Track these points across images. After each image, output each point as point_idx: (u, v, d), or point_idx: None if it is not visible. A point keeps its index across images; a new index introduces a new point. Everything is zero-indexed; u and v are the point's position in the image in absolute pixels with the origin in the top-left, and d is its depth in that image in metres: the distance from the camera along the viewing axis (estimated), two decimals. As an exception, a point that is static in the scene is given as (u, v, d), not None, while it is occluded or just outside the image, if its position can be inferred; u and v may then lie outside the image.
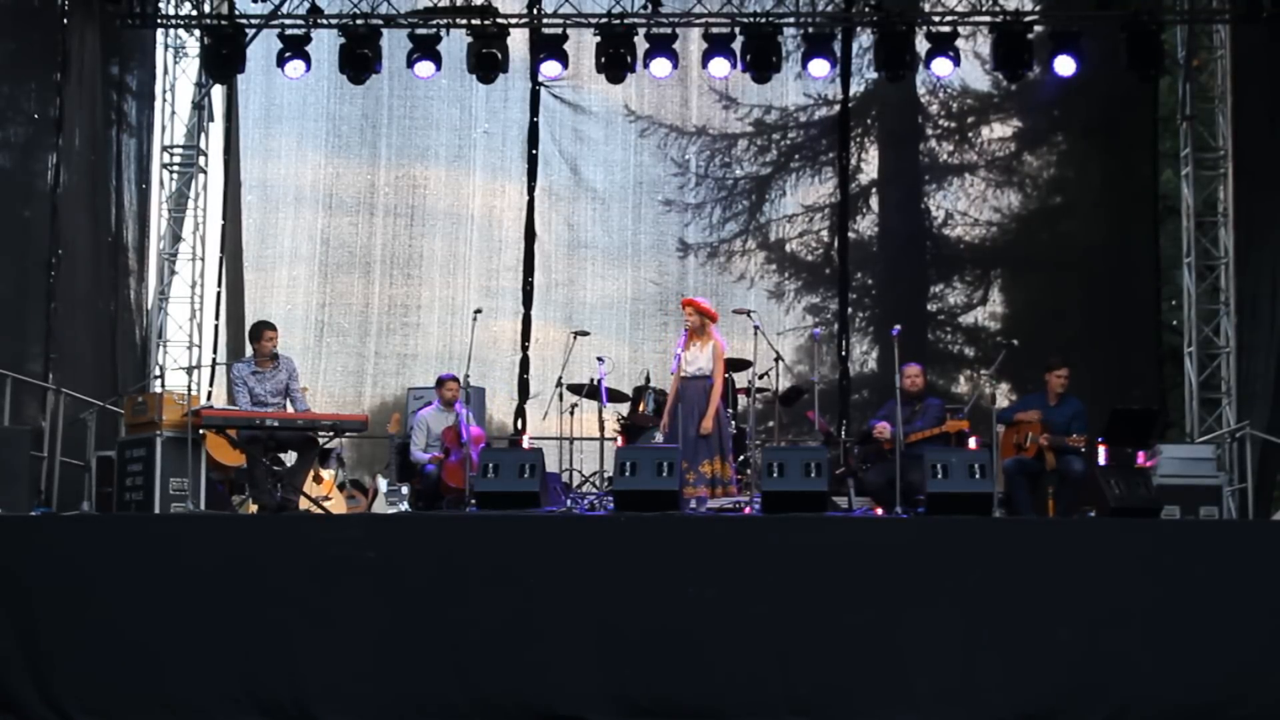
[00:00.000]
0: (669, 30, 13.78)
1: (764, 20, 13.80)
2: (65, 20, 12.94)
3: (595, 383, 12.17)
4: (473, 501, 9.71)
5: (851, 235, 15.30)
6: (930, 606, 8.38)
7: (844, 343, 15.00)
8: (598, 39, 13.78)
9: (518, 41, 14.30)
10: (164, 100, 14.82)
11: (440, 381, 11.97)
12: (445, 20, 13.89)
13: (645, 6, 13.79)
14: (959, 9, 13.95)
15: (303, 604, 8.50)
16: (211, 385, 14.22)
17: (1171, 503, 10.86)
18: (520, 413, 14.90)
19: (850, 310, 15.19)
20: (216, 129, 15.24)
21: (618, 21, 13.73)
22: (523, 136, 15.34)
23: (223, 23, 14.20)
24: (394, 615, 8.48)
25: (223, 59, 13.98)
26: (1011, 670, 8.28)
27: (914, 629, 8.36)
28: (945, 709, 8.23)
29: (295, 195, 15.55)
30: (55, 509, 10.79)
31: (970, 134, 15.49)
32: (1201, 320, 14.05)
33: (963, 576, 8.43)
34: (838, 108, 15.21)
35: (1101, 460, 11.11)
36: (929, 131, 15.52)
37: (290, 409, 10.63)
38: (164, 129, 14.81)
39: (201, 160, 15.06)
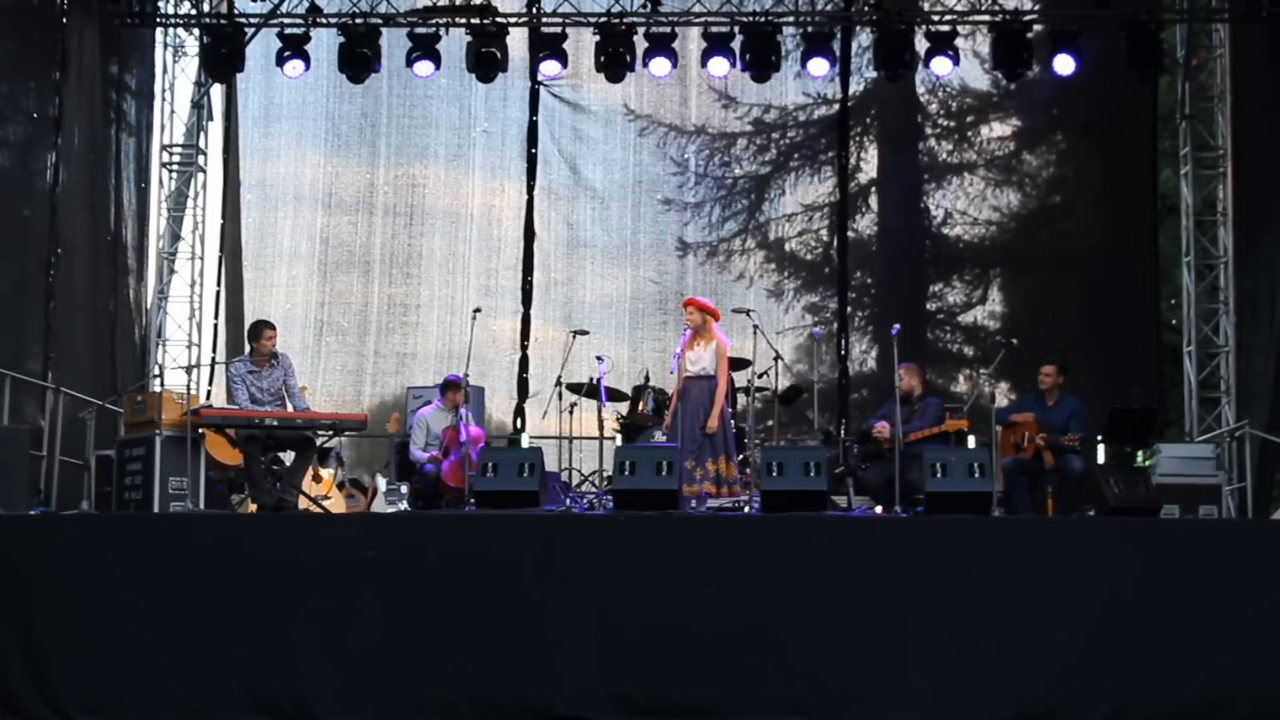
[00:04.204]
0: (668, 29, 13.78)
1: (763, 19, 13.79)
2: (65, 19, 12.94)
3: (594, 382, 12.18)
4: (472, 501, 9.71)
5: (851, 234, 15.30)
6: (929, 606, 8.38)
7: (843, 342, 15.00)
8: (597, 38, 13.77)
9: (517, 41, 14.30)
10: (163, 99, 14.83)
11: (452, 385, 11.81)
12: (444, 19, 13.89)
13: (645, 6, 13.79)
14: (958, 8, 13.94)
15: (302, 603, 8.50)
16: (211, 384, 14.21)
17: (1171, 502, 10.86)
18: (520, 412, 14.90)
19: (849, 309, 15.20)
20: (216, 128, 15.26)
21: (617, 20, 13.72)
22: (522, 136, 15.34)
23: (222, 22, 14.19)
24: (393, 615, 8.47)
25: (222, 58, 13.97)
26: (1011, 669, 8.28)
27: (913, 628, 8.36)
28: (944, 708, 8.23)
29: (294, 194, 15.55)
30: (54, 508, 10.78)
31: (969, 133, 15.49)
32: (1201, 319, 14.05)
33: (962, 576, 8.43)
34: (837, 107, 15.21)
35: (1100, 459, 11.13)
36: (928, 131, 15.52)
37: (289, 407, 10.63)
38: (163, 128, 14.82)
39: (201, 159, 15.06)
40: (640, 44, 13.71)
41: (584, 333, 12.83)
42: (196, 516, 9.98)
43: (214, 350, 14.88)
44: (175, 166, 14.94)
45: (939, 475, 9.18)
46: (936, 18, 13.94)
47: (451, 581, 8.51)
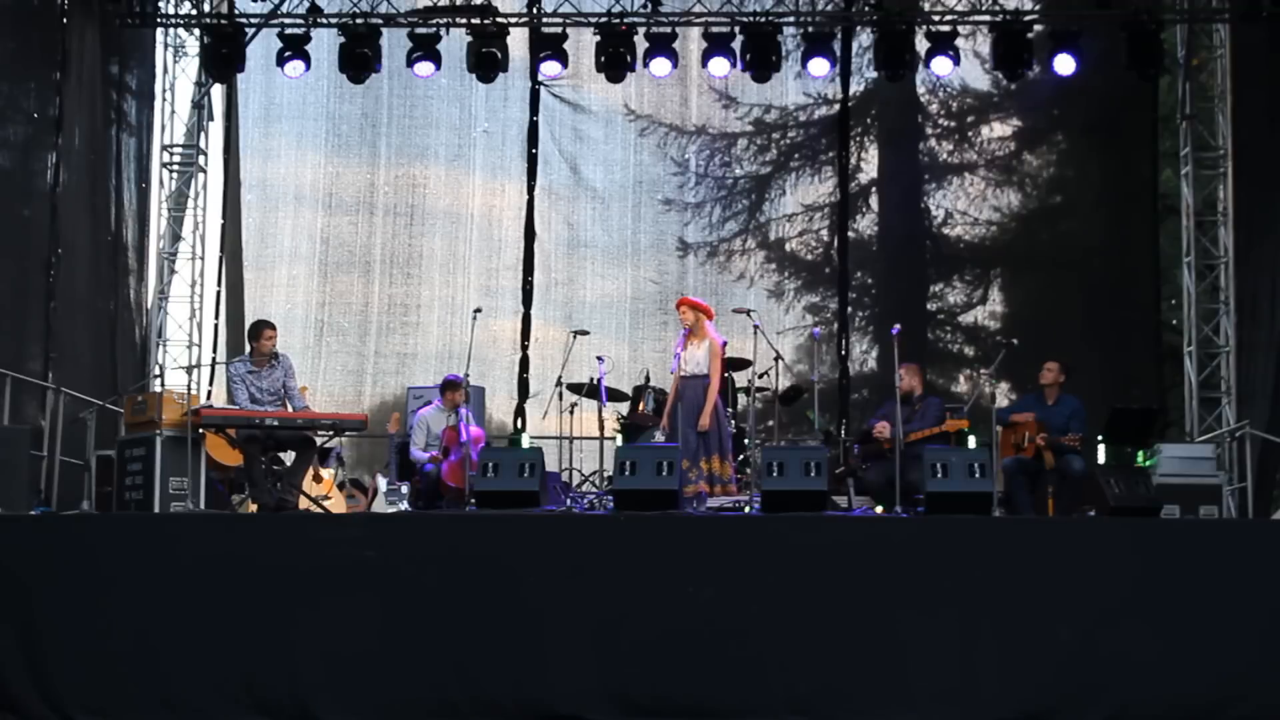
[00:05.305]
0: (669, 29, 13.78)
1: (764, 19, 13.79)
2: (65, 19, 12.94)
3: (595, 382, 12.18)
4: (472, 500, 9.71)
5: (851, 234, 15.30)
6: (930, 606, 8.37)
7: (844, 342, 15.00)
8: (597, 38, 13.78)
9: (517, 41, 14.30)
10: (164, 99, 14.83)
11: (451, 385, 11.82)
12: (445, 19, 13.90)
13: (645, 6, 13.79)
14: (959, 8, 13.95)
15: (303, 603, 8.50)
16: (211, 385, 14.21)
17: (1171, 502, 10.85)
18: (520, 412, 14.90)
19: (850, 309, 15.20)
20: (216, 128, 15.26)
21: (617, 21, 13.73)
22: (522, 136, 15.34)
23: (222, 22, 14.20)
24: (394, 615, 8.47)
25: (222, 58, 13.98)
26: (1011, 669, 8.27)
27: (913, 628, 8.36)
28: (944, 708, 8.23)
29: (295, 195, 15.56)
30: (55, 508, 10.79)
31: (970, 133, 15.49)
32: (1201, 320, 14.05)
33: (962, 576, 8.43)
34: (837, 107, 15.22)
35: (1101, 459, 11.13)
36: (929, 131, 15.52)
37: (289, 408, 10.63)
38: (164, 128, 14.82)
39: (201, 159, 15.06)
40: (640, 44, 13.71)
41: (584, 333, 12.83)
42: (197, 517, 9.98)
43: (214, 350, 14.88)
44: (175, 166, 14.94)
45: (939, 475, 9.18)
46: (937, 18, 13.95)
47: (452, 582, 8.51)
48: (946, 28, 13.80)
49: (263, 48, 14.23)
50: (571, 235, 15.42)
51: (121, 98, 14.24)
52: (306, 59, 13.97)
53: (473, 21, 13.88)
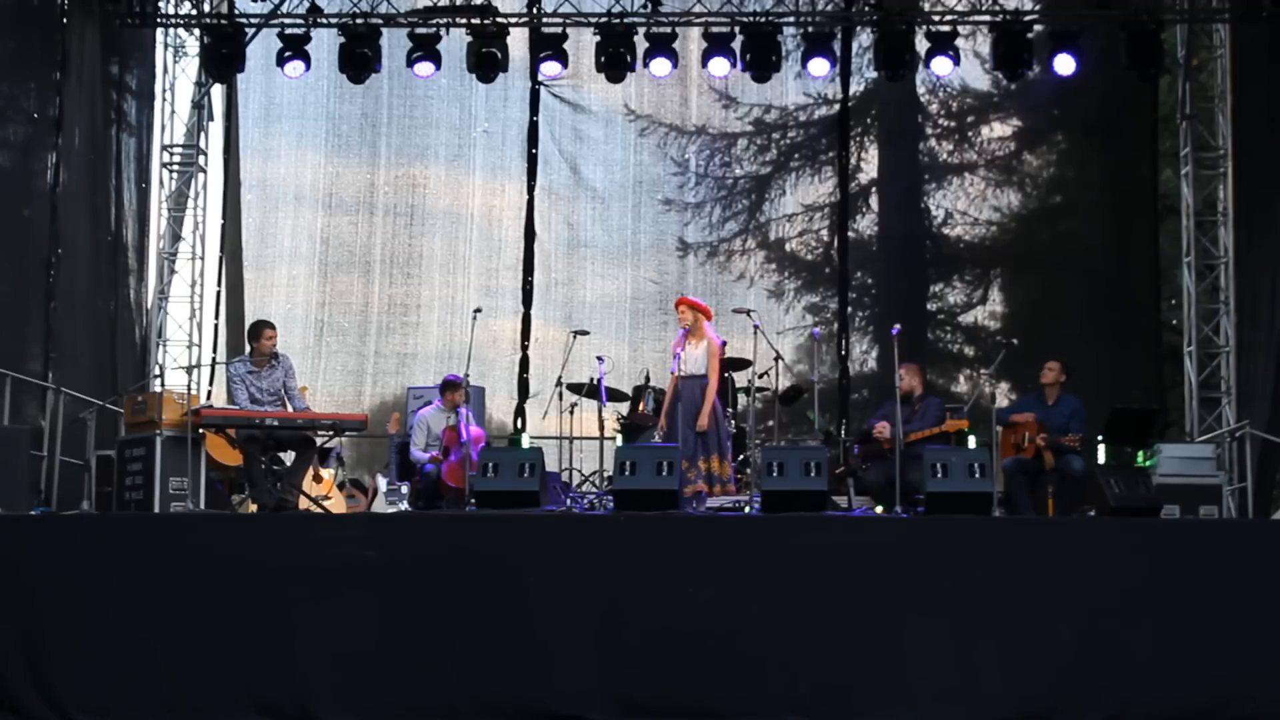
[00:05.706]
0: (669, 29, 13.79)
1: (764, 19, 13.80)
2: (65, 20, 12.95)
3: (595, 382, 12.18)
4: (472, 501, 9.71)
5: (851, 235, 15.30)
6: (930, 606, 8.37)
7: (844, 342, 15.00)
8: (597, 38, 13.78)
9: (517, 41, 14.30)
10: (164, 99, 14.84)
11: (451, 385, 11.82)
12: (445, 19, 13.90)
13: (645, 6, 13.79)
14: (959, 8, 13.95)
15: (302, 603, 8.50)
16: (211, 385, 14.21)
17: (1171, 502, 10.86)
18: (520, 412, 14.90)
19: (850, 310, 15.20)
20: (216, 128, 15.26)
21: (617, 21, 13.73)
22: (522, 136, 15.34)
23: (222, 22, 14.20)
24: (394, 615, 8.47)
25: (222, 58, 13.99)
26: (1011, 670, 8.28)
27: (913, 628, 8.36)
28: (944, 708, 8.23)
29: (295, 195, 15.56)
30: (55, 508, 10.79)
31: (970, 133, 15.49)
32: (1201, 320, 14.05)
33: (962, 576, 8.43)
34: (837, 107, 15.22)
35: (1101, 459, 11.13)
36: (929, 131, 15.52)
37: (289, 408, 10.63)
38: (164, 128, 14.82)
39: (201, 159, 15.06)
40: (640, 44, 13.71)
41: (584, 333, 12.84)
42: (197, 517, 9.98)
43: (214, 350, 14.88)
44: (176, 166, 14.94)
45: (939, 475, 9.18)
46: (937, 18, 13.95)
47: (452, 582, 8.51)
48: (946, 28, 13.80)
49: (263, 48, 14.23)
50: (571, 235, 15.42)
51: (121, 98, 14.24)
52: (306, 59, 13.97)
53: (473, 21, 13.89)
